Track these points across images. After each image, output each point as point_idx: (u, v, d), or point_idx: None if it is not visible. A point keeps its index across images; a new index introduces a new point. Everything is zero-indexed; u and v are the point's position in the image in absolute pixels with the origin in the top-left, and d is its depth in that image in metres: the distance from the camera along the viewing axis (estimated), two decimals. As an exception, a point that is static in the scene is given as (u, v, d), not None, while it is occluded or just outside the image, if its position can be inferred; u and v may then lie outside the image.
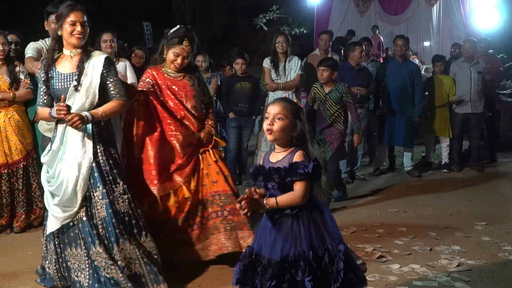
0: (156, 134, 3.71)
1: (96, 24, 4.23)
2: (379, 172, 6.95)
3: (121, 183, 3.30)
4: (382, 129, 6.85)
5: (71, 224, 3.26)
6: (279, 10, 14.50)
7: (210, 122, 3.96)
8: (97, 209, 3.24)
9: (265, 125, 2.51)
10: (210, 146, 3.86)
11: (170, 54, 3.77)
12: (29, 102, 4.85)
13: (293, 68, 6.40)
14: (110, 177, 3.28)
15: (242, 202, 2.40)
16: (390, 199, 5.70)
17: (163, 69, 3.86)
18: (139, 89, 3.81)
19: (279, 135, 2.49)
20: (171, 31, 3.80)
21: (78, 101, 3.21)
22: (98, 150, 3.29)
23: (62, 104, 3.13)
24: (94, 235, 3.20)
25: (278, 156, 2.51)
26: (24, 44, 4.93)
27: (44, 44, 4.72)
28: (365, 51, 7.07)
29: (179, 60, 3.76)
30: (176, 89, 3.81)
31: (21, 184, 4.68)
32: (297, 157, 2.43)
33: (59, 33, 3.26)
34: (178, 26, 3.82)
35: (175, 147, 3.73)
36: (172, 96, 3.80)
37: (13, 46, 4.98)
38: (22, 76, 4.71)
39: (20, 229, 4.71)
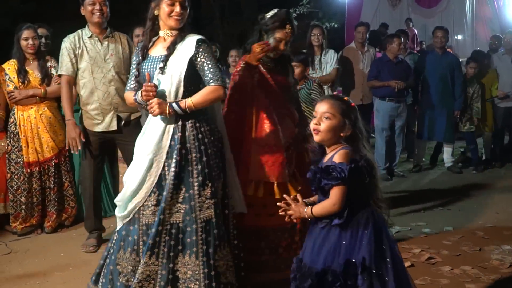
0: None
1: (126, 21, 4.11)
2: (419, 168, 6.68)
3: (183, 189, 2.83)
4: (422, 124, 6.60)
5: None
6: (309, 4, 14.20)
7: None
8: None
9: (312, 125, 2.33)
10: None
11: (271, 40, 3.32)
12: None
13: (329, 61, 6.23)
14: (175, 182, 2.82)
15: (280, 203, 2.26)
16: (432, 196, 5.44)
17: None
18: (233, 80, 3.39)
19: (326, 135, 2.31)
20: (269, 16, 3.38)
21: (162, 87, 2.83)
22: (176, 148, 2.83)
23: (148, 84, 2.76)
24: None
25: (327, 158, 2.33)
26: (55, 39, 4.74)
27: (83, 34, 4.12)
28: (403, 44, 6.81)
29: (281, 46, 3.34)
30: (276, 78, 3.43)
31: (52, 182, 4.55)
32: (338, 157, 2.24)
33: (156, 12, 2.91)
34: (276, 10, 3.43)
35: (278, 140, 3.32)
36: (274, 83, 3.40)
37: (43, 40, 4.83)
38: (54, 72, 4.55)
39: (52, 229, 4.60)
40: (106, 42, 4.06)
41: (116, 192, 4.36)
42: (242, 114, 3.36)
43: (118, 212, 2.94)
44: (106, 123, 4.01)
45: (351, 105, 2.34)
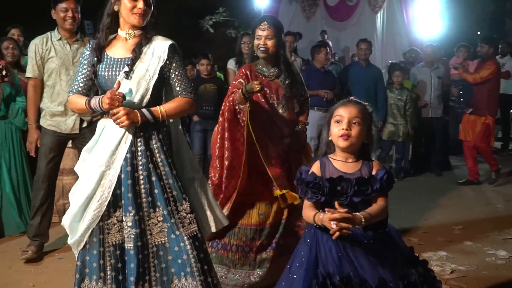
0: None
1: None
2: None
3: (161, 207, 2.59)
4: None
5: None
6: (225, 13, 14.24)
7: (300, 125, 3.61)
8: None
9: (338, 130, 2.23)
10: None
11: (255, 41, 3.47)
12: (9, 99, 4.54)
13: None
14: (149, 199, 2.59)
15: (336, 224, 2.04)
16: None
17: (256, 67, 3.56)
18: (231, 90, 3.46)
19: (356, 141, 2.25)
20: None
21: (125, 94, 2.54)
22: (139, 162, 2.59)
23: (116, 92, 2.47)
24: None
25: (350, 166, 2.26)
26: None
27: (52, 37, 4.05)
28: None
29: (261, 42, 3.40)
30: (267, 91, 3.48)
31: None
32: (378, 165, 2.25)
33: (116, 8, 2.62)
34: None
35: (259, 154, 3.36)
36: (263, 100, 3.46)
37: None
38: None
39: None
40: (76, 45, 4.01)
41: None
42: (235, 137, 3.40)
43: (70, 239, 2.60)
44: (68, 125, 3.91)
45: (371, 111, 2.31)
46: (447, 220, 5.00)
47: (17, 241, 4.42)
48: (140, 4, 2.57)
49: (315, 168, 2.30)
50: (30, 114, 4.02)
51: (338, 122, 2.26)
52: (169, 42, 2.65)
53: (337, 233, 2.04)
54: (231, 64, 6.12)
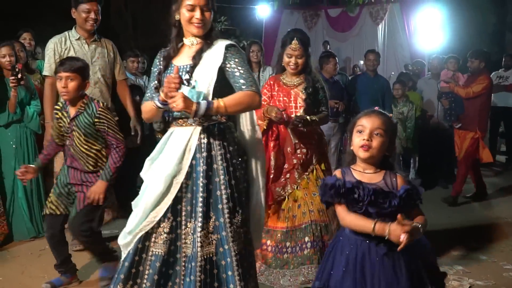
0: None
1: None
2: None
3: (213, 218, 2.53)
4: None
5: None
6: (227, 22, 14.24)
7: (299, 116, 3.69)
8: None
9: (359, 140, 2.20)
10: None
11: (285, 58, 3.79)
12: (24, 102, 4.57)
13: (267, 78, 6.22)
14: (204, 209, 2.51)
15: (405, 236, 2.00)
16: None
17: (281, 77, 3.87)
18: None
19: (377, 153, 2.21)
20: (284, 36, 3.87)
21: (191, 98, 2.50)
22: (200, 169, 2.53)
23: (174, 75, 2.40)
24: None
25: (369, 177, 2.21)
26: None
27: (70, 36, 4.14)
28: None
29: (292, 61, 3.74)
30: (286, 100, 3.78)
31: None
32: (402, 181, 2.20)
33: (177, 17, 2.61)
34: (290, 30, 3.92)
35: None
36: (282, 106, 3.75)
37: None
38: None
39: None
40: (93, 45, 4.15)
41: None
42: None
43: (122, 239, 2.58)
44: None
45: (396, 123, 2.28)
46: (458, 234, 4.95)
47: (28, 246, 4.39)
48: (198, 14, 2.55)
49: (337, 175, 2.27)
50: (47, 112, 4.04)
51: (360, 132, 2.23)
52: (227, 42, 2.63)
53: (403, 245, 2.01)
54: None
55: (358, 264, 2.14)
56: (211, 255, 2.47)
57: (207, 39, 2.61)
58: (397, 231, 2.02)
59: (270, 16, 13.47)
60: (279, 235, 3.67)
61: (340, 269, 2.17)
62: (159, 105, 2.51)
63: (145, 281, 2.50)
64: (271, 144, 3.73)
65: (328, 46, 12.23)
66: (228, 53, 2.57)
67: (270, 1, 13.14)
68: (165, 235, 2.51)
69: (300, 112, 3.73)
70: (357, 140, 2.23)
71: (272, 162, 3.70)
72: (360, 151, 2.21)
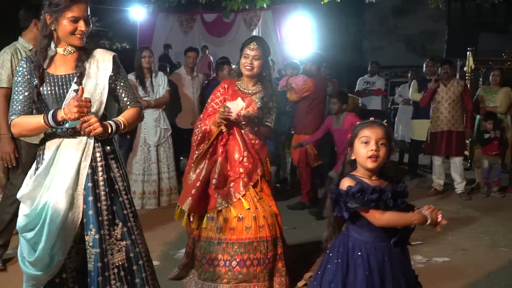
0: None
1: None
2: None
3: (120, 224, 2.56)
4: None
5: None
6: (98, 23, 13.79)
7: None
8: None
9: (367, 151, 2.32)
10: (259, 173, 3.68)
11: (241, 59, 3.67)
12: None
13: (160, 84, 6.34)
14: (109, 217, 2.54)
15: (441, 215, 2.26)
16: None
17: (237, 82, 3.74)
18: (210, 103, 3.72)
19: (382, 161, 2.34)
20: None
21: None
22: (100, 178, 2.55)
23: (83, 98, 2.37)
24: None
25: (377, 183, 2.36)
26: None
27: (22, 47, 4.01)
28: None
29: (248, 61, 3.60)
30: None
31: None
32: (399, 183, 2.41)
33: (53, 27, 2.51)
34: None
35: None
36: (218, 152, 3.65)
37: None
38: None
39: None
40: None
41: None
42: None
43: (42, 271, 2.48)
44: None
45: (391, 132, 2.45)
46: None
47: None
48: (82, 26, 2.51)
49: (349, 182, 2.33)
50: (3, 124, 3.85)
51: (366, 143, 2.33)
52: (112, 53, 2.65)
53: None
54: (130, 78, 6.04)
55: (377, 266, 2.30)
56: (123, 262, 2.53)
57: (85, 48, 2.59)
58: (434, 214, 2.26)
59: (145, 19, 13.28)
60: (209, 246, 3.56)
61: (360, 272, 2.29)
62: (54, 124, 2.44)
63: None
64: (220, 149, 3.64)
65: (207, 51, 12.42)
66: (115, 65, 2.63)
67: (145, 4, 12.97)
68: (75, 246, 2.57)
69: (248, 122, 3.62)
70: (364, 151, 2.33)
71: (218, 168, 3.60)
72: (369, 161, 2.32)
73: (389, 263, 2.31)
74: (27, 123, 2.52)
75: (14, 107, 2.54)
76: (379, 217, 2.28)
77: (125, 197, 2.59)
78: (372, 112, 9.52)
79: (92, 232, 2.48)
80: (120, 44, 14.13)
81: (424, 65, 8.09)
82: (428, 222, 2.26)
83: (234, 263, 3.48)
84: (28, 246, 2.50)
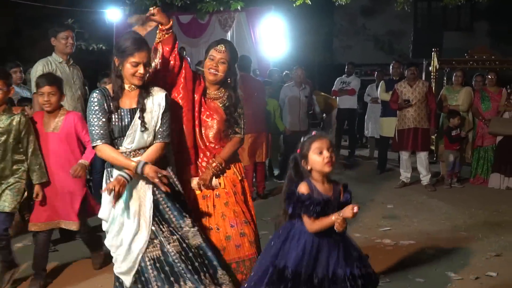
0: None
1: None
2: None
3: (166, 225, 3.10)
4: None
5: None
6: (74, 25, 13.99)
7: (215, 162, 3.37)
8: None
9: (322, 159, 2.75)
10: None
11: (206, 61, 3.37)
12: None
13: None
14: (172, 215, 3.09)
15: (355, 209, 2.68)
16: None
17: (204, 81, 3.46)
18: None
19: (335, 165, 2.81)
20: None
21: (140, 139, 3.03)
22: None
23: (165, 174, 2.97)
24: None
25: (328, 188, 2.84)
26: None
27: (53, 60, 4.89)
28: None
29: (213, 64, 3.32)
30: (203, 110, 3.40)
31: None
32: (343, 190, 2.88)
33: (119, 68, 3.00)
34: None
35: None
36: (196, 116, 3.38)
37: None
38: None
39: None
40: (71, 68, 4.97)
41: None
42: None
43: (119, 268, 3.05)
44: None
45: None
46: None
47: None
48: (141, 70, 2.97)
49: (305, 188, 2.80)
50: None
51: (320, 153, 2.76)
52: (164, 92, 3.09)
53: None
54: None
55: (314, 248, 2.78)
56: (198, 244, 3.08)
57: (145, 86, 3.05)
58: (347, 211, 2.70)
59: (121, 20, 13.49)
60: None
61: (299, 251, 2.78)
62: (139, 173, 2.93)
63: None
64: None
65: (185, 52, 12.75)
66: (166, 102, 3.06)
67: (121, 6, 13.21)
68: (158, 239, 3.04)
69: (214, 127, 3.38)
70: (320, 160, 2.76)
71: None
72: (326, 166, 2.75)
73: (326, 247, 2.79)
74: (116, 159, 2.99)
75: (98, 131, 2.98)
76: (310, 227, 2.78)
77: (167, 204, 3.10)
78: (346, 111, 10.11)
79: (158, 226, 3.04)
80: (97, 45, 14.39)
81: (391, 67, 8.66)
82: (342, 216, 2.71)
83: None
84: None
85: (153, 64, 3.21)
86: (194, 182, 3.37)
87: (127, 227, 3.02)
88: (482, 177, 7.90)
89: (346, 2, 9.40)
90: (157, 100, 3.06)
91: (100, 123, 2.99)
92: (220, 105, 3.42)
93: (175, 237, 3.01)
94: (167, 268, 2.96)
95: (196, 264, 2.99)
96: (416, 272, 4.30)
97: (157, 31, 3.32)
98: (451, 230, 5.49)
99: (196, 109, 3.37)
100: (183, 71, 3.33)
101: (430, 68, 10.15)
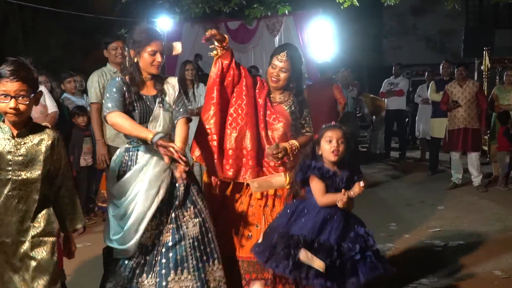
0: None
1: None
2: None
3: (192, 206, 3.18)
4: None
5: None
6: (127, 34, 14.46)
7: (294, 143, 3.43)
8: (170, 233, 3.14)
9: (330, 147, 3.03)
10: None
11: (269, 69, 3.50)
12: None
13: (202, 94, 6.84)
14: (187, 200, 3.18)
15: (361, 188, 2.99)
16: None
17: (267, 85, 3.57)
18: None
19: (341, 155, 3.06)
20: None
21: (164, 123, 3.18)
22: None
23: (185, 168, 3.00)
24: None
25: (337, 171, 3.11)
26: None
27: (108, 71, 5.01)
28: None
29: (274, 73, 3.44)
30: (269, 113, 3.49)
31: None
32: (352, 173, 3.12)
33: (136, 59, 3.15)
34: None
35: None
36: (262, 120, 3.47)
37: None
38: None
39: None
40: None
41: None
42: None
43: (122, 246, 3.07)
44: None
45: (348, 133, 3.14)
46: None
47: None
48: (159, 58, 3.15)
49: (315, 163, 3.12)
50: (98, 131, 4.91)
51: (330, 141, 3.07)
52: (175, 77, 3.36)
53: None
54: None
55: (319, 221, 3.02)
56: (196, 234, 3.16)
57: (159, 75, 3.25)
58: (356, 187, 3.00)
59: (171, 29, 13.87)
60: (245, 265, 3.44)
61: (305, 221, 3.04)
62: (154, 144, 2.96)
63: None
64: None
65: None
66: (178, 87, 3.31)
67: (171, 14, 13.58)
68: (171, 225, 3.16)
69: (280, 129, 3.48)
70: (328, 147, 3.07)
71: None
72: (332, 155, 3.06)
73: (331, 221, 3.02)
74: (133, 126, 3.04)
75: (113, 102, 3.07)
76: (320, 199, 3.05)
77: (194, 186, 3.22)
78: (395, 112, 10.06)
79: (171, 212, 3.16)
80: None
81: (441, 67, 8.58)
82: (351, 194, 2.99)
83: (243, 282, 3.42)
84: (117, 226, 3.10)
85: (212, 75, 3.46)
86: (255, 184, 3.40)
87: (140, 204, 3.06)
88: (536, 178, 7.71)
89: (395, 2, 9.34)
90: (171, 84, 3.29)
91: (116, 96, 3.09)
92: (286, 108, 3.54)
93: (196, 220, 3.16)
94: (178, 257, 3.09)
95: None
96: (463, 271, 4.32)
97: (215, 48, 3.48)
98: (501, 231, 5.43)
99: (261, 113, 3.50)
100: (244, 79, 3.48)
101: (482, 67, 9.98)
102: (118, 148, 4.14)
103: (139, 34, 3.14)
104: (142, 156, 3.15)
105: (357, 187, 2.98)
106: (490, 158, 8.80)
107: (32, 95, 2.48)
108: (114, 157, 3.28)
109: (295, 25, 13.43)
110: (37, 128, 2.58)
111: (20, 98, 2.42)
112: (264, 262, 3.05)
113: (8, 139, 2.49)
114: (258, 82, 3.57)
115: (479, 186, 7.41)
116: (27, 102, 2.45)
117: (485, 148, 9.00)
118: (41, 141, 2.54)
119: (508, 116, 7.63)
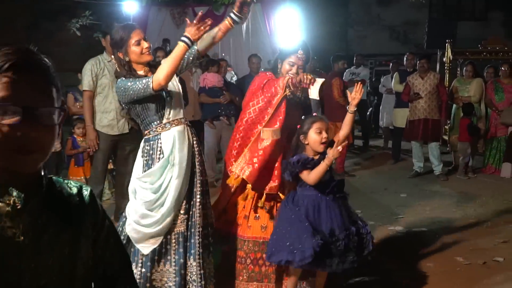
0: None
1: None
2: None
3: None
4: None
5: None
6: (92, 16, 14.22)
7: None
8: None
9: (320, 137, 3.17)
10: None
11: (285, 65, 3.51)
12: None
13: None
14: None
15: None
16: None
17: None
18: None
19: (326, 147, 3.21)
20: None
21: (178, 107, 3.20)
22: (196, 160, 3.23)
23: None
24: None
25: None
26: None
27: (102, 59, 5.11)
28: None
29: (294, 70, 3.46)
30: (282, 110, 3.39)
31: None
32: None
33: (127, 59, 3.13)
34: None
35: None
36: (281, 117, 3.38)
37: None
38: None
39: None
40: None
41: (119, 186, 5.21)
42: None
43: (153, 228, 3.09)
44: (120, 127, 5.02)
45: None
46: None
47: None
48: (145, 44, 3.15)
49: (296, 157, 3.25)
50: (88, 117, 4.99)
51: (319, 132, 3.21)
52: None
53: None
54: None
55: (315, 210, 3.17)
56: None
57: (154, 64, 3.20)
58: (334, 150, 3.14)
59: (138, 13, 13.69)
60: (250, 245, 3.53)
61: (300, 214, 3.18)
62: (190, 43, 3.05)
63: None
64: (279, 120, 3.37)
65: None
66: None
67: (138, -2, 13.40)
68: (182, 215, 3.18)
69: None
70: (318, 138, 3.21)
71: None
72: (321, 146, 3.23)
73: (324, 208, 3.17)
74: (170, 57, 3.00)
75: (139, 81, 3.05)
76: (309, 179, 3.19)
77: (201, 178, 3.22)
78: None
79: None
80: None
81: (405, 59, 8.77)
82: (331, 157, 3.12)
83: (248, 260, 3.52)
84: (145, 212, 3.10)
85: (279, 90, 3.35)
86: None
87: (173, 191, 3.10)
88: (494, 167, 8.02)
89: (362, -9, 9.48)
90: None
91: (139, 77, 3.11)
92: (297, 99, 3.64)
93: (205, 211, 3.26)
94: (187, 243, 3.15)
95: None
96: (425, 257, 4.49)
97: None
98: (462, 218, 5.65)
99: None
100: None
101: (444, 59, 10.22)
102: (107, 134, 4.87)
103: (116, 34, 3.14)
104: (165, 143, 3.15)
105: (334, 150, 3.10)
106: (450, 147, 9.07)
107: None
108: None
109: (263, 12, 13.46)
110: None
111: None
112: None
113: None
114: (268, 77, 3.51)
115: (440, 174, 7.66)
116: None
117: (446, 137, 9.26)
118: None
119: (472, 108, 7.89)
